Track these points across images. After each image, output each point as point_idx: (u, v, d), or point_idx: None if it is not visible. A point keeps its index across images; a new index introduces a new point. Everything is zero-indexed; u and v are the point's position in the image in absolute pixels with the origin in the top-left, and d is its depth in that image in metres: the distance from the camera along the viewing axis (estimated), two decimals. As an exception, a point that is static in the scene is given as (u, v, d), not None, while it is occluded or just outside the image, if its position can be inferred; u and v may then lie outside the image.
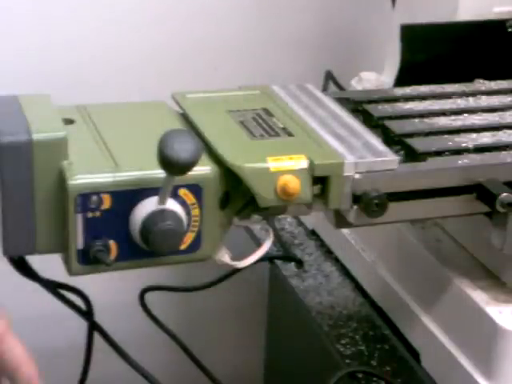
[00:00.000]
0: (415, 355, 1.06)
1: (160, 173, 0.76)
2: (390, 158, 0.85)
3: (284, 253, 1.28)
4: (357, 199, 0.83)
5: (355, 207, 0.84)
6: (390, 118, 0.99)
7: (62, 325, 1.50)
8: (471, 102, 1.05)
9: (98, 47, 1.43)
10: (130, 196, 0.78)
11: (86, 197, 0.77)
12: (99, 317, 0.96)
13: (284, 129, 0.89)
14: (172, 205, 0.78)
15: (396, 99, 1.04)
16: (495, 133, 0.96)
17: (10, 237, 0.79)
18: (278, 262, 1.27)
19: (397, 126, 0.96)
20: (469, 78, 1.11)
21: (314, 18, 1.55)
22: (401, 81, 1.14)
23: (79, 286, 0.92)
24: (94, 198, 0.77)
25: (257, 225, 0.98)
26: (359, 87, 1.27)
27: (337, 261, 1.26)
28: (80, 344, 1.00)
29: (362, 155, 0.84)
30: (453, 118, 1.00)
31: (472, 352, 0.97)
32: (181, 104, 0.94)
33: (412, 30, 1.13)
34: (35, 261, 0.85)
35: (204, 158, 0.79)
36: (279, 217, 1.32)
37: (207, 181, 0.80)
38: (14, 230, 0.79)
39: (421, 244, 1.07)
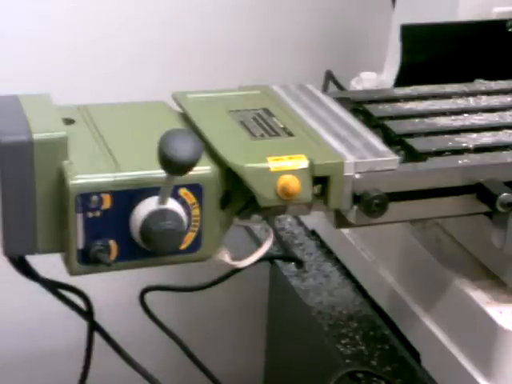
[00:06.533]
0: (415, 355, 1.06)
1: (160, 173, 0.76)
2: (390, 157, 0.85)
3: (284, 253, 1.28)
4: (357, 199, 0.83)
5: (355, 207, 0.84)
6: (391, 117, 0.99)
7: (61, 325, 1.50)
8: (471, 102, 1.05)
9: (98, 47, 1.44)
10: (130, 196, 0.78)
11: (86, 197, 0.77)
12: (99, 317, 0.96)
13: (284, 129, 0.89)
14: (172, 205, 0.78)
15: (396, 99, 1.04)
16: (495, 133, 0.96)
17: (10, 237, 0.79)
18: (278, 262, 1.27)
19: (397, 126, 0.96)
20: (469, 78, 1.11)
21: (314, 18, 1.55)
22: (401, 81, 1.14)
23: (79, 286, 0.92)
24: (95, 197, 0.77)
25: (257, 225, 0.98)
26: (359, 87, 1.27)
27: (337, 261, 1.26)
28: (80, 344, 1.00)
29: (362, 155, 0.84)
30: (453, 117, 1.00)
31: (472, 352, 0.97)
32: (181, 104, 0.94)
33: (412, 30, 1.13)
34: (36, 261, 0.85)
35: (204, 157, 0.79)
36: (279, 217, 1.32)
37: (207, 181, 0.80)
38: (14, 230, 0.79)
39: (421, 244, 1.07)
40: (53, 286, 0.90)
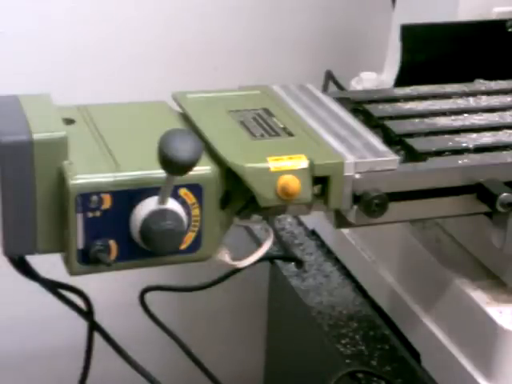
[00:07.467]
0: (415, 355, 1.06)
1: (160, 173, 0.76)
2: (390, 157, 0.85)
3: (284, 253, 1.28)
4: (357, 199, 0.83)
5: (355, 207, 0.84)
6: (391, 117, 0.99)
7: (62, 325, 1.50)
8: (471, 102, 1.05)
9: (98, 47, 1.44)
10: (130, 196, 0.78)
11: (86, 197, 0.77)
12: (99, 317, 0.96)
13: (284, 129, 0.89)
14: (172, 205, 0.78)
15: (396, 99, 1.04)
16: (495, 133, 0.96)
17: (10, 237, 0.79)
18: (278, 262, 1.27)
19: (397, 126, 0.96)
20: (469, 78, 1.11)
21: (315, 18, 1.55)
22: (401, 81, 1.14)
23: (79, 286, 0.92)
24: (95, 197, 0.77)
25: (257, 225, 0.98)
26: (359, 87, 1.27)
27: (337, 261, 1.26)
28: (80, 344, 1.00)
29: (362, 155, 0.84)
30: (453, 117, 1.00)
31: (472, 352, 0.97)
32: (181, 104, 0.94)
33: (412, 30, 1.13)
34: (36, 261, 0.85)
35: (204, 157, 0.79)
36: (279, 217, 1.32)
37: (207, 181, 0.80)
38: (14, 230, 0.79)
39: (421, 244, 1.07)
40: (53, 286, 0.90)
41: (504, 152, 0.92)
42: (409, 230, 1.09)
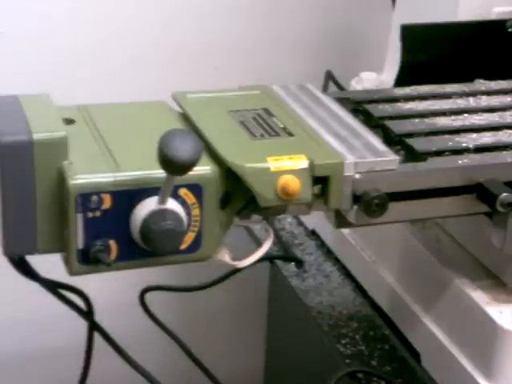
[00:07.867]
0: (415, 355, 1.06)
1: (160, 173, 0.76)
2: (390, 157, 0.85)
3: (284, 253, 1.28)
4: (357, 199, 0.83)
5: (355, 207, 0.84)
6: (391, 117, 0.99)
7: (62, 325, 1.50)
8: (471, 102, 1.05)
9: (98, 47, 1.44)
10: (130, 196, 0.78)
11: (86, 197, 0.77)
12: (99, 317, 0.96)
13: (284, 129, 0.89)
14: (172, 205, 0.78)
15: (396, 99, 1.04)
16: (495, 133, 0.96)
17: (10, 237, 0.79)
18: (278, 262, 1.27)
19: (397, 126, 0.96)
20: (469, 78, 1.11)
21: (314, 18, 1.55)
22: (401, 81, 1.14)
23: (79, 286, 0.92)
24: (95, 197, 0.77)
25: (257, 225, 0.98)
26: (359, 87, 1.27)
27: (337, 261, 1.26)
28: (80, 344, 1.00)
29: (362, 155, 0.84)
30: (453, 117, 1.00)
31: (472, 352, 0.97)
32: (181, 104, 0.94)
33: (412, 30, 1.13)
34: (36, 261, 0.85)
35: (204, 157, 0.79)
36: (279, 217, 1.32)
37: (207, 181, 0.80)
38: (14, 230, 0.79)
39: (421, 244, 1.07)
40: (53, 286, 0.90)
41: (504, 152, 0.92)
42: (409, 230, 1.09)
